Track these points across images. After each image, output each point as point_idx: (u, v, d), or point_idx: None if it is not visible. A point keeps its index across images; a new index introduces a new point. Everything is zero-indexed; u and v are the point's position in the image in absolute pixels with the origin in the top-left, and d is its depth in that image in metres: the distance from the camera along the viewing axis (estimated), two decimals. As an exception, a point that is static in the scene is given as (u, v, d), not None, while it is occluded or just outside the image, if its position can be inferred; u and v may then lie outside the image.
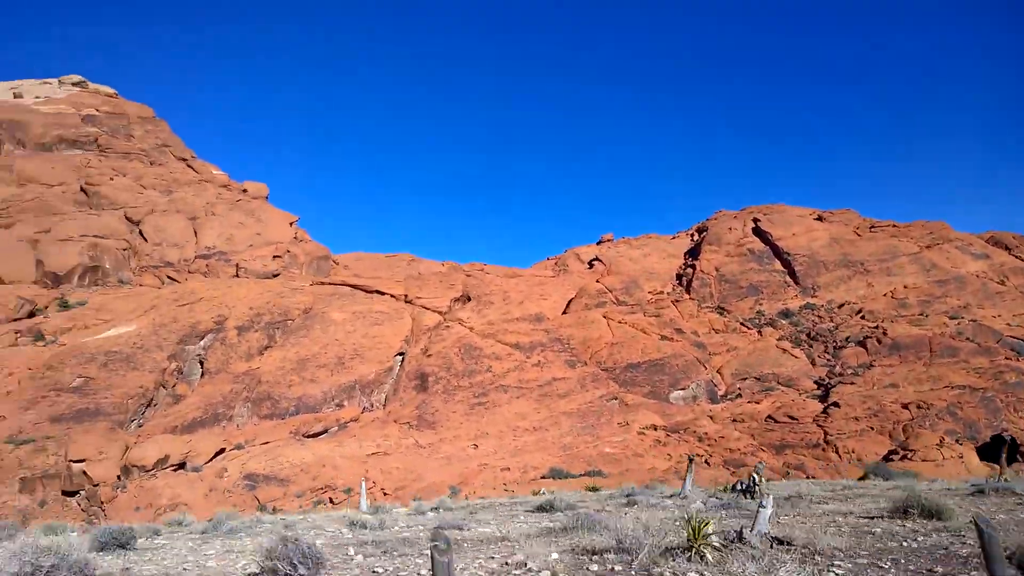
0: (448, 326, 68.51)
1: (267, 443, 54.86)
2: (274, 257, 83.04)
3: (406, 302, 72.96)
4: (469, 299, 74.81)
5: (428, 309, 71.77)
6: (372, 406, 62.36)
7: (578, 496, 24.57)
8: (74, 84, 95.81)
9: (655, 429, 61.14)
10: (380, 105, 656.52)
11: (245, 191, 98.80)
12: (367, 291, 74.14)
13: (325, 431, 57.43)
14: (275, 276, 79.17)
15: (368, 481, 51.02)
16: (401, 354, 65.67)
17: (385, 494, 48.54)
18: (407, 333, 67.29)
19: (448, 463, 53.63)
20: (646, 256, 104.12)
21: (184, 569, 10.86)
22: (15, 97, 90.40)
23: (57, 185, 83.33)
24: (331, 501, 48.42)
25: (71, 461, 43.05)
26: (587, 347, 74.90)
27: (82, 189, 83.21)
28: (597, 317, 79.86)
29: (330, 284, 75.55)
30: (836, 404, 62.60)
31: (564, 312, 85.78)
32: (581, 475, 52.77)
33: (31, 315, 61.88)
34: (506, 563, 9.67)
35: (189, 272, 77.62)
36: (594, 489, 32.33)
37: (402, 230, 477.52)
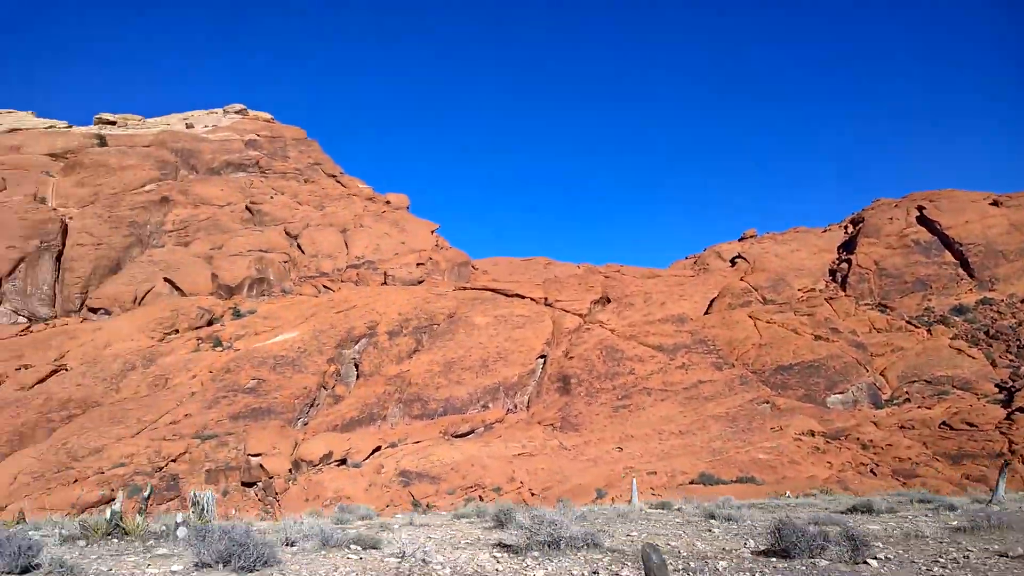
0: (588, 328, 68.27)
1: (419, 442, 57.01)
2: (418, 264, 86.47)
3: (546, 305, 73.53)
4: (608, 301, 74.24)
5: (568, 312, 71.91)
6: (516, 408, 63.25)
7: (770, 503, 23.36)
8: (236, 112, 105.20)
9: (812, 435, 57.64)
10: (497, 108, 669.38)
11: (388, 202, 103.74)
12: (507, 295, 75.44)
13: (472, 431, 58.88)
14: (420, 283, 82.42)
15: (515, 481, 51.77)
16: (543, 357, 66.18)
17: (532, 494, 48.99)
18: (548, 336, 67.74)
19: (593, 465, 53.28)
20: (794, 252, 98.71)
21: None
22: (188, 127, 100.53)
23: (226, 205, 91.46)
24: (480, 499, 49.50)
25: (249, 455, 46.86)
26: (733, 348, 72.00)
27: (247, 208, 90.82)
28: (742, 317, 76.62)
29: (472, 289, 77.61)
30: (1021, 410, 56.23)
31: (706, 312, 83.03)
32: (732, 481, 50.63)
33: (210, 323, 68.20)
34: None
35: (342, 281, 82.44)
36: (776, 497, 30.80)
37: (534, 233, 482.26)
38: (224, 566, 9.84)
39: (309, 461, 48.39)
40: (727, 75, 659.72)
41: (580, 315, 71.92)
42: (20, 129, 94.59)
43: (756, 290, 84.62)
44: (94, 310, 76.80)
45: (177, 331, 67.92)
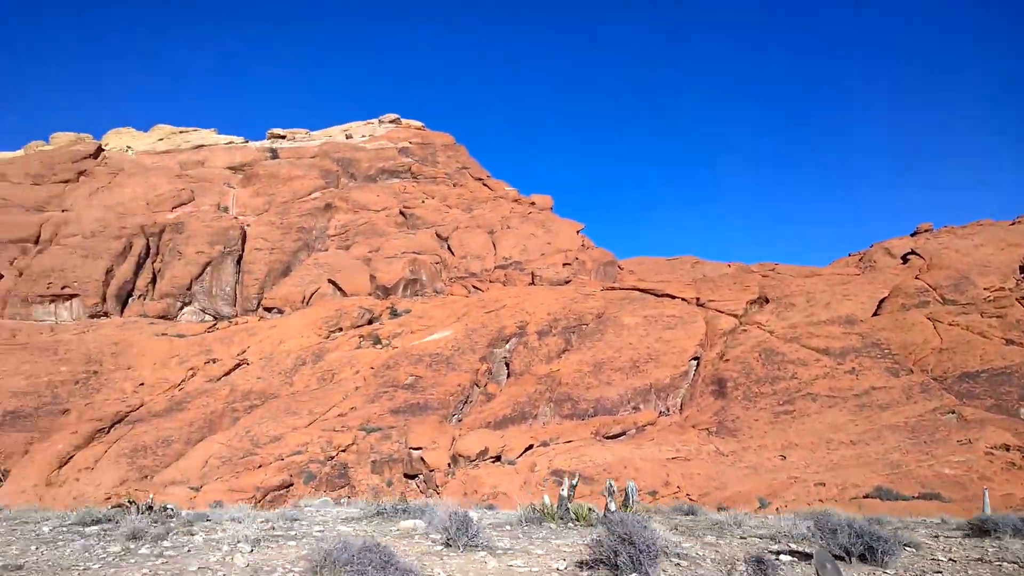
0: (745, 329, 65.28)
1: (570, 442, 56.91)
2: (564, 264, 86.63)
3: (698, 305, 71.15)
4: (767, 301, 70.62)
5: (722, 312, 69.15)
6: (668, 411, 61.61)
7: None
8: (390, 122, 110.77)
9: (1007, 449, 51.63)
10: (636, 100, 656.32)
11: (533, 204, 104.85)
12: (657, 295, 73.78)
13: (623, 433, 57.98)
14: (566, 283, 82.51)
15: (670, 486, 50.34)
16: (696, 359, 64.05)
17: (690, 499, 47.40)
18: (701, 337, 65.47)
19: (754, 473, 50.75)
20: (978, 247, 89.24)
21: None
22: (347, 138, 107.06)
23: (382, 210, 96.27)
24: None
25: (411, 448, 48.82)
26: (908, 353, 66.09)
27: (401, 212, 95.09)
28: (919, 319, 70.18)
29: (620, 289, 76.62)
30: None
31: (875, 314, 76.86)
32: (915, 498, 46.32)
33: (370, 322, 71.98)
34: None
35: (490, 281, 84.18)
36: None
37: (678, 232, 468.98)
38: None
39: (466, 456, 49.62)
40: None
41: (735, 315, 68.92)
42: (204, 145, 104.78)
43: (934, 289, 77.28)
44: (268, 309, 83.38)
45: (341, 329, 72.18)
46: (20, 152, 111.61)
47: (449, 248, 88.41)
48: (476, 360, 63.81)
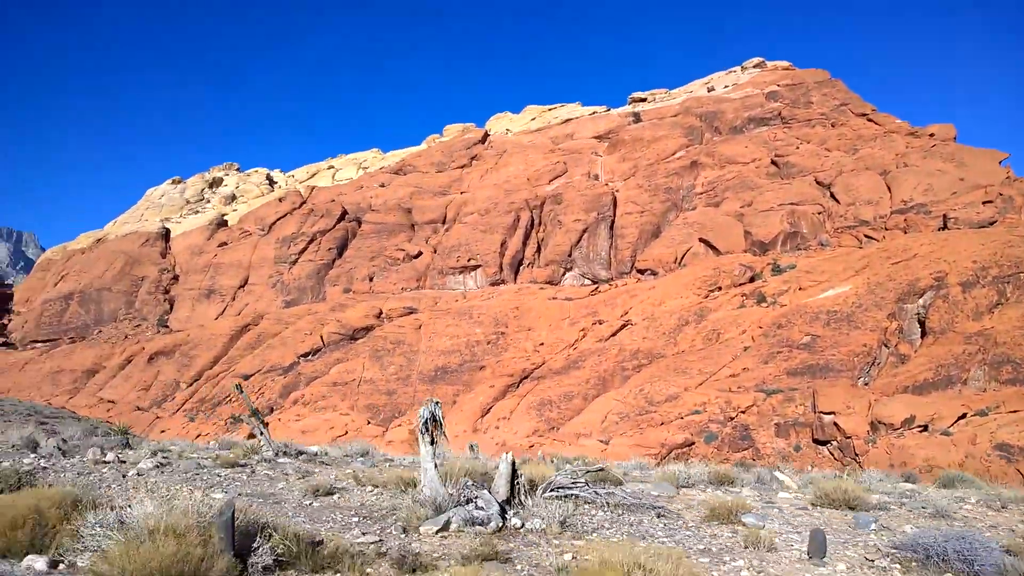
0: None
1: (1015, 411, 46.93)
2: (984, 203, 71.92)
3: None
4: None
5: None
6: None
7: None
8: (754, 67, 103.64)
9: None
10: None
11: (932, 135, 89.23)
12: None
13: (1100, 407, 45.78)
14: (991, 224, 68.37)
15: None
16: None
17: None
18: None
19: None
20: None
21: None
22: (709, 91, 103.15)
23: (751, 162, 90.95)
24: None
25: (821, 412, 44.87)
26: None
27: (772, 162, 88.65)
28: None
29: (1073, 226, 60.78)
30: None
31: None
32: None
33: (751, 280, 68.48)
34: None
35: (886, 229, 73.86)
36: None
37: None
38: None
39: (888, 424, 43.90)
40: None
41: None
42: (571, 119, 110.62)
43: None
44: (641, 271, 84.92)
45: (720, 288, 70.01)
46: (423, 146, 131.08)
47: (832, 195, 79.77)
48: (883, 317, 56.31)
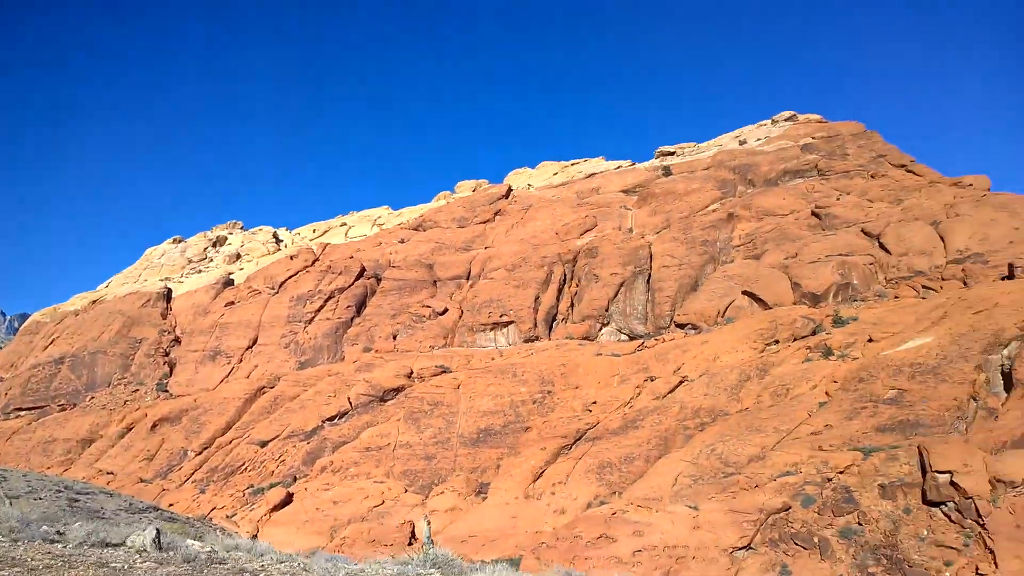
0: None
1: None
2: (1046, 252, 69.15)
3: None
4: None
5: None
6: None
7: None
8: (786, 120, 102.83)
9: None
10: None
11: (971, 186, 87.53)
12: None
13: None
14: (1060, 272, 65.35)
15: None
16: None
17: None
18: None
19: None
20: None
21: None
22: (740, 144, 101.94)
23: (789, 214, 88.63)
24: None
25: (936, 472, 40.48)
26: None
27: (813, 213, 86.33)
28: None
29: None
30: None
31: None
32: None
33: (813, 332, 64.82)
34: None
35: (943, 279, 70.76)
36: None
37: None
38: None
39: (1008, 482, 39.49)
40: None
41: None
42: (596, 173, 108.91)
43: None
44: (681, 325, 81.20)
45: (777, 341, 66.28)
46: (439, 201, 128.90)
47: (882, 246, 77.00)
48: (970, 369, 52.41)
